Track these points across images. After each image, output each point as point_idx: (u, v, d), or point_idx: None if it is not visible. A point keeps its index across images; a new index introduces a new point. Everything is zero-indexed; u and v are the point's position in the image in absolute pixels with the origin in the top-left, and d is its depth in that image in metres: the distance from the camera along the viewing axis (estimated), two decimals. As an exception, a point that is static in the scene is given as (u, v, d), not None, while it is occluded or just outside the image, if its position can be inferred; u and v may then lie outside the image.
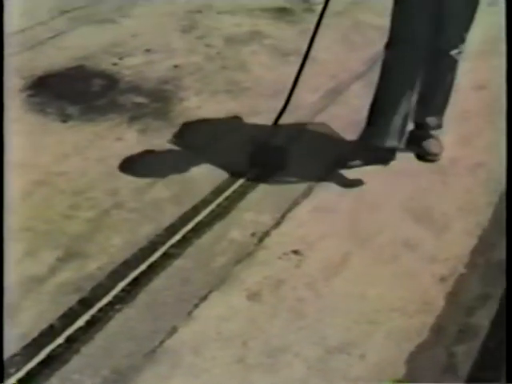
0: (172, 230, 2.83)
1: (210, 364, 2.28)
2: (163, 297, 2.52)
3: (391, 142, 3.28)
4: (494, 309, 2.53)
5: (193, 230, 2.84)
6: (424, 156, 3.39)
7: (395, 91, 3.24)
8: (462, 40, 3.24)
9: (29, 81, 3.83)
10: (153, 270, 2.64)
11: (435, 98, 3.39)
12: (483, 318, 2.49)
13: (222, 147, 3.35)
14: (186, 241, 2.78)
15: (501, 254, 2.76)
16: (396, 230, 2.88)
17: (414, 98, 3.27)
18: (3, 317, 2.07)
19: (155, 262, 2.67)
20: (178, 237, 2.79)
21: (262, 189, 3.09)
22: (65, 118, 3.53)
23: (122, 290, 2.54)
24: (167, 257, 2.70)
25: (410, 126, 3.40)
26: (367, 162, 3.28)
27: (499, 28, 4.55)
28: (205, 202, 2.99)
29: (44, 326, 2.37)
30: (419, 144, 3.42)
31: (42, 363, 2.25)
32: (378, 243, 2.81)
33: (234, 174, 3.15)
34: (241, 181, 3.12)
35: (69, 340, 2.34)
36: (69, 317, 2.42)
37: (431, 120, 3.43)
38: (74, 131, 3.44)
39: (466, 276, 2.67)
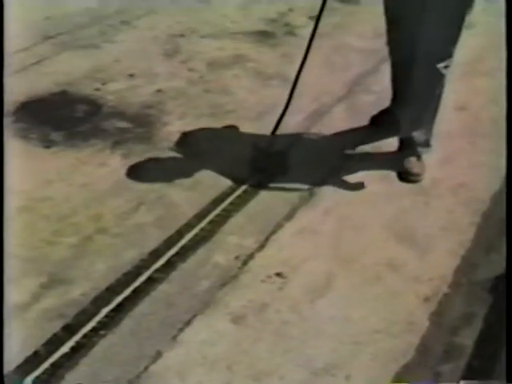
0: (156, 254, 2.83)
1: (195, 389, 2.28)
2: (147, 322, 2.52)
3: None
4: (478, 328, 2.54)
5: (177, 254, 2.84)
6: (405, 176, 3.39)
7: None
8: (449, 54, 3.23)
9: (12, 106, 3.83)
10: (137, 295, 2.63)
11: (422, 112, 3.39)
12: (467, 338, 2.50)
13: (208, 170, 3.36)
14: (170, 265, 2.78)
15: (484, 273, 2.79)
16: (380, 251, 2.89)
17: None
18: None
19: (139, 286, 2.67)
20: (162, 261, 2.79)
21: (246, 212, 3.10)
22: (48, 144, 3.53)
23: (106, 316, 2.53)
24: (151, 281, 2.69)
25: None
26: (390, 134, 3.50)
27: (479, 50, 4.62)
28: (188, 226, 2.99)
29: (28, 352, 2.36)
30: (401, 162, 3.42)
31: (26, 391, 2.24)
32: (361, 264, 2.82)
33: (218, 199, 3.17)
34: (224, 204, 3.13)
35: (53, 366, 2.33)
36: (53, 343, 2.41)
37: (418, 135, 3.42)
38: (57, 157, 3.44)
39: (450, 296, 2.69)
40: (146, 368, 2.33)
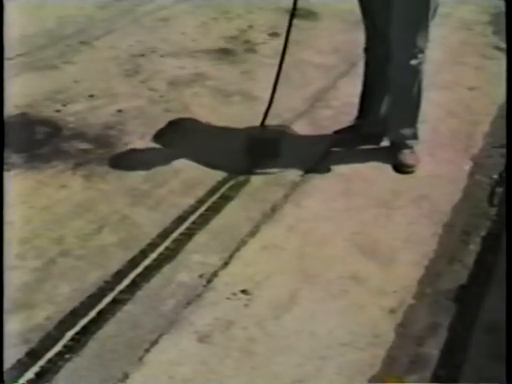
0: (120, 275, 2.81)
1: (162, 409, 2.27)
2: (113, 344, 2.50)
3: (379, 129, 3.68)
4: (443, 337, 2.56)
5: (141, 274, 2.83)
6: (400, 168, 3.55)
7: (379, 84, 3.59)
8: (420, 49, 3.35)
9: (-30, 130, 3.79)
10: (102, 316, 2.61)
11: (404, 109, 3.57)
12: (433, 348, 2.52)
13: (166, 190, 3.35)
14: (134, 285, 2.76)
15: (448, 283, 2.82)
16: (343, 264, 2.91)
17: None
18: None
19: (104, 308, 2.65)
20: (126, 282, 2.77)
21: (209, 229, 3.10)
22: (8, 167, 3.50)
23: (72, 339, 2.51)
24: (116, 302, 2.68)
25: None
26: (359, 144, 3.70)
27: (435, 64, 4.69)
28: (152, 246, 2.98)
29: (-9, 379, 2.33)
30: (395, 156, 3.58)
31: (-9, 418, 2.21)
32: (325, 279, 2.83)
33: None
34: (187, 223, 3.13)
35: (18, 393, 2.30)
36: (17, 369, 2.38)
37: (405, 131, 3.60)
38: (18, 180, 3.41)
39: (415, 307, 2.71)
40: (113, 390, 2.32)
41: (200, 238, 3.04)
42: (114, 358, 2.44)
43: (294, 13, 3.42)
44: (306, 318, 2.63)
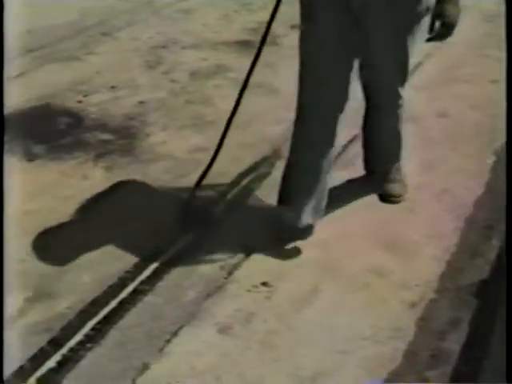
0: (142, 265, 2.82)
1: (183, 400, 2.27)
2: (134, 334, 2.51)
3: (307, 220, 2.94)
4: (464, 332, 2.54)
5: (163, 264, 2.84)
6: (387, 198, 3.29)
7: (309, 169, 2.91)
8: (399, 96, 3.03)
9: (-7, 120, 3.81)
10: (123, 306, 2.62)
11: (384, 151, 3.29)
12: (454, 343, 2.50)
13: (188, 181, 3.36)
14: (155, 276, 2.77)
15: (469, 277, 2.80)
16: (366, 258, 2.90)
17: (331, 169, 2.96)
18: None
19: (125, 298, 2.66)
20: (147, 272, 2.78)
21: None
22: (31, 157, 3.52)
23: (93, 329, 2.52)
24: (137, 293, 2.69)
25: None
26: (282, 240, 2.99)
27: (456, 57, 4.66)
28: (174, 236, 2.98)
29: (14, 367, 2.34)
30: (380, 185, 3.31)
31: (13, 406, 2.22)
32: (348, 272, 2.82)
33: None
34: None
35: (40, 381, 2.31)
36: (39, 358, 2.40)
37: (385, 168, 3.30)
38: (40, 170, 3.43)
39: (436, 301, 2.69)
40: (134, 381, 2.32)
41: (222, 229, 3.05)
42: (135, 348, 2.45)
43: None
44: (327, 312, 2.62)
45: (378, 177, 3.32)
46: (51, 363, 2.38)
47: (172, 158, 3.56)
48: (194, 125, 3.90)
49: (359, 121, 3.27)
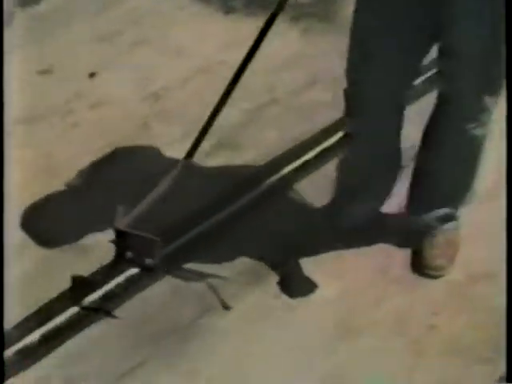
0: (328, 132, 2.74)
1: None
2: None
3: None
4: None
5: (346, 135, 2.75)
6: (421, 269, 2.31)
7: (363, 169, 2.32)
8: (484, 108, 2.11)
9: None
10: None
11: (441, 186, 2.30)
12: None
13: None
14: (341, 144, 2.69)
15: None
16: None
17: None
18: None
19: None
20: (333, 139, 2.71)
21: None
22: (228, 10, 3.49)
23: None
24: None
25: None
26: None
27: None
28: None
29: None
30: (416, 244, 2.35)
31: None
32: None
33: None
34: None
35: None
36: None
37: (435, 213, 2.34)
38: (235, 23, 3.40)
39: None
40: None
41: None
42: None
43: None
44: None
45: (419, 224, 2.38)
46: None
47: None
48: None
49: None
